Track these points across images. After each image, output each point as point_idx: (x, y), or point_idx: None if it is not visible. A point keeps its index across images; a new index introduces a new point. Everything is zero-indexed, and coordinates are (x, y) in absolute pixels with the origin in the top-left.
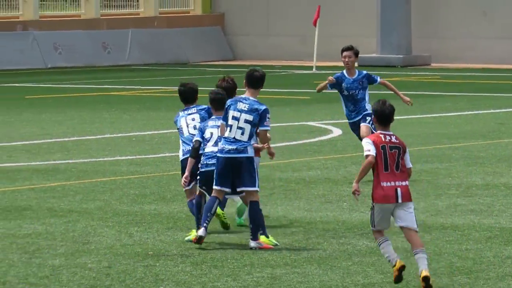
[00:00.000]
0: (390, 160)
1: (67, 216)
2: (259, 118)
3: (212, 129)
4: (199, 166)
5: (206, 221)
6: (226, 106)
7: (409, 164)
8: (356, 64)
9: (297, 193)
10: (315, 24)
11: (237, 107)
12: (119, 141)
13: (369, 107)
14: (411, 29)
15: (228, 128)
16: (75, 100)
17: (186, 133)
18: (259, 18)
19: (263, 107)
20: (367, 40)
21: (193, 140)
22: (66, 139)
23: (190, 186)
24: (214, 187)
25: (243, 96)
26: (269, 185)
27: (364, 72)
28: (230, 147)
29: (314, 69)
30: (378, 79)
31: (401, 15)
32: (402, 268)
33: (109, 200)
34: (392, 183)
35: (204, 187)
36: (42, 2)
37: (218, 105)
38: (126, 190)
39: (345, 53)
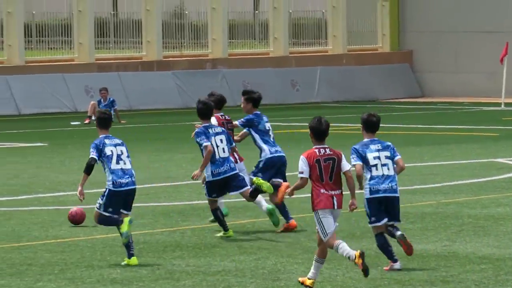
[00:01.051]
0: (324, 172)
1: (256, 253)
2: (393, 151)
3: (111, 147)
4: (111, 186)
5: (393, 254)
6: (359, 151)
7: (346, 167)
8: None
9: (486, 230)
10: (502, 62)
11: (371, 148)
12: None
13: (262, 157)
14: None
15: (374, 168)
16: None
17: (217, 155)
18: (447, 55)
19: (389, 142)
20: None
21: (90, 157)
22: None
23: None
24: (376, 224)
25: (367, 139)
26: (458, 222)
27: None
28: (385, 186)
29: (502, 105)
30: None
31: None
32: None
33: (298, 237)
34: (328, 192)
35: (110, 209)
36: (231, 41)
37: (103, 124)
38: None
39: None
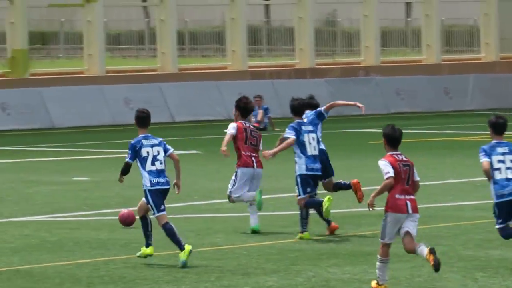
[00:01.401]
0: (403, 176)
1: (411, 261)
2: None
3: (148, 148)
4: (148, 185)
5: None
6: (486, 153)
7: (417, 177)
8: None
9: None
10: None
11: (498, 151)
12: (462, 186)
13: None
14: None
15: (497, 171)
16: (416, 145)
17: (310, 152)
18: None
19: None
20: None
21: (126, 162)
22: None
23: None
24: (501, 226)
25: (495, 141)
26: None
27: None
28: (509, 189)
29: None
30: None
31: None
32: None
33: (454, 245)
34: (404, 196)
35: (162, 207)
36: (383, 48)
37: (142, 122)
38: (470, 236)
39: None
